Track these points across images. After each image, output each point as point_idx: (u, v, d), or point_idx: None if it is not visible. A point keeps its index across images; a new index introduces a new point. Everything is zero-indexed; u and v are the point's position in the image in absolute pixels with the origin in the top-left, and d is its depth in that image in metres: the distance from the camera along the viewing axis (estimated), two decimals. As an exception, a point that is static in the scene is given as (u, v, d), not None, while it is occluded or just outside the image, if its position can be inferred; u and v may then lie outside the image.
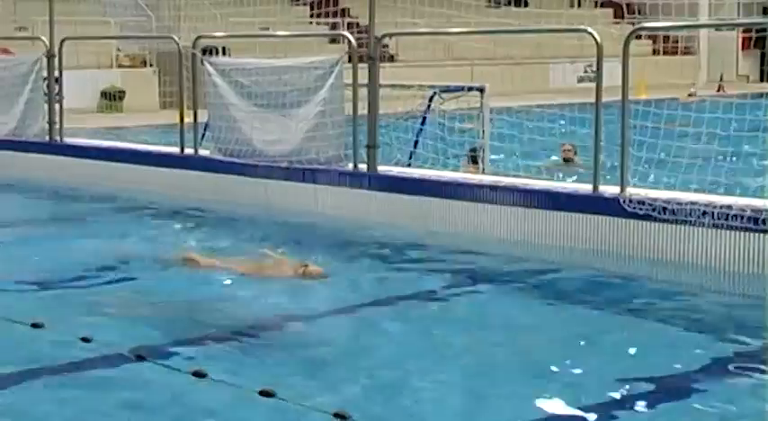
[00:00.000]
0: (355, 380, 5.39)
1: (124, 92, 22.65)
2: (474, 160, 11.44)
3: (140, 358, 5.65)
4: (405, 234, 9.04)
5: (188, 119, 11.72)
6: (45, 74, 13.11)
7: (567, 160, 11.92)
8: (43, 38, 13.36)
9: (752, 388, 5.26)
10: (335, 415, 4.68)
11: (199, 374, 5.32)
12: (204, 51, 12.58)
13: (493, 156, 11.46)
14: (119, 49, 24.03)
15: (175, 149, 11.92)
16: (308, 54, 11.28)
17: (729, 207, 7.43)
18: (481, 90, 11.30)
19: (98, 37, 21.94)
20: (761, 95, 11.54)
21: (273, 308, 6.85)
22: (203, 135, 11.66)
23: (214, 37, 16.61)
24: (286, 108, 10.44)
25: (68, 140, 13.26)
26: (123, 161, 12.32)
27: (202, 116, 11.52)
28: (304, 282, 7.30)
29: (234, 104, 10.87)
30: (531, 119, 10.91)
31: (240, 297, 7.15)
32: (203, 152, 11.49)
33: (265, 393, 5.00)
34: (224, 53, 17.55)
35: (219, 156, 11.11)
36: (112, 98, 22.37)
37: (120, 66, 23.77)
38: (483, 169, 10.90)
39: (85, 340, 5.88)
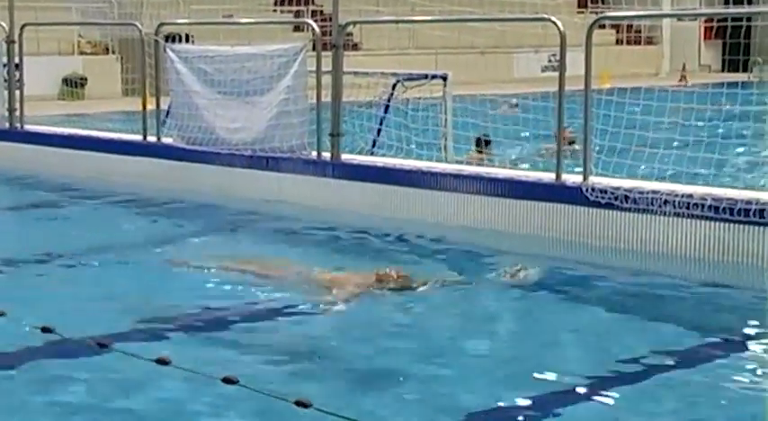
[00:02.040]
0: (320, 370, 5.39)
1: (86, 79, 22.44)
2: (479, 147, 11.49)
3: (102, 346, 5.61)
4: (368, 222, 9.04)
5: (151, 106, 11.64)
6: (5, 60, 12.96)
7: (571, 143, 11.71)
8: (3, 23, 13.20)
9: (711, 373, 5.30)
10: (297, 403, 4.68)
11: (162, 362, 5.29)
12: (167, 38, 12.48)
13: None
14: (80, 36, 23.80)
15: (138, 137, 11.84)
16: (272, 42, 11.22)
17: (690, 196, 7.49)
18: (444, 78, 11.31)
19: (59, 23, 21.70)
20: (722, 85, 11.66)
21: (239, 297, 6.82)
22: (165, 122, 11.59)
23: (177, 24, 16.47)
24: (249, 96, 10.39)
25: (29, 128, 13.13)
26: (85, 149, 12.21)
27: (165, 103, 11.45)
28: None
29: (197, 92, 10.80)
30: (496, 107, 10.94)
31: (205, 286, 7.12)
32: (166, 140, 11.42)
33: (228, 380, 4.99)
34: (187, 40, 17.39)
35: (182, 144, 11.04)
36: (74, 85, 22.16)
37: (81, 52, 23.55)
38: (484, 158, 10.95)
39: (46, 330, 5.83)
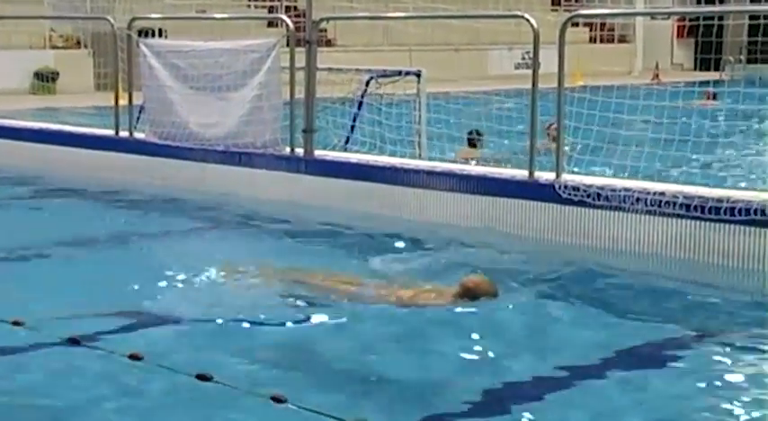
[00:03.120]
0: (294, 365, 5.38)
1: (58, 73, 22.29)
2: (472, 143, 11.51)
3: (74, 342, 5.57)
4: (340, 218, 9.03)
5: (123, 101, 11.59)
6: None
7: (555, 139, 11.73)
8: (-27, 17, 13.10)
9: (678, 370, 5.33)
10: (273, 398, 4.68)
11: (135, 357, 5.27)
12: (140, 33, 12.43)
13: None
14: (52, 30, 23.62)
15: (110, 132, 11.78)
16: (246, 37, 11.20)
17: (662, 193, 7.53)
18: (418, 75, 11.30)
19: (31, 16, 21.54)
20: (694, 83, 11.74)
21: (210, 293, 6.79)
22: (138, 117, 11.54)
23: (150, 18, 16.41)
24: (223, 91, 10.36)
25: (0, 122, 13.02)
26: (57, 143, 12.14)
27: (138, 98, 11.40)
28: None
29: (170, 87, 10.76)
30: (469, 104, 10.95)
31: (178, 280, 7.08)
32: (138, 135, 11.37)
33: (203, 377, 4.98)
34: (160, 35, 17.33)
35: (155, 139, 11.00)
36: (46, 79, 22.01)
37: (53, 46, 23.38)
38: (481, 153, 10.98)
39: (16, 324, 5.79)
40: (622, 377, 5.23)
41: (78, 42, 23.63)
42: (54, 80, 22.18)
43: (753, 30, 16.95)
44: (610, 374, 5.28)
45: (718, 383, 5.14)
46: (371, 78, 11.39)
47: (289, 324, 6.13)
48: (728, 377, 5.22)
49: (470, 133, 11.57)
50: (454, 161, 10.84)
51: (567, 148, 9.24)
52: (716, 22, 20.11)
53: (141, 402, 4.89)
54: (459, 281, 6.41)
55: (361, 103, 11.38)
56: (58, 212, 9.78)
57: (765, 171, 12.01)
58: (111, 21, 12.50)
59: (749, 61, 24.08)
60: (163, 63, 10.81)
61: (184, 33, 15.96)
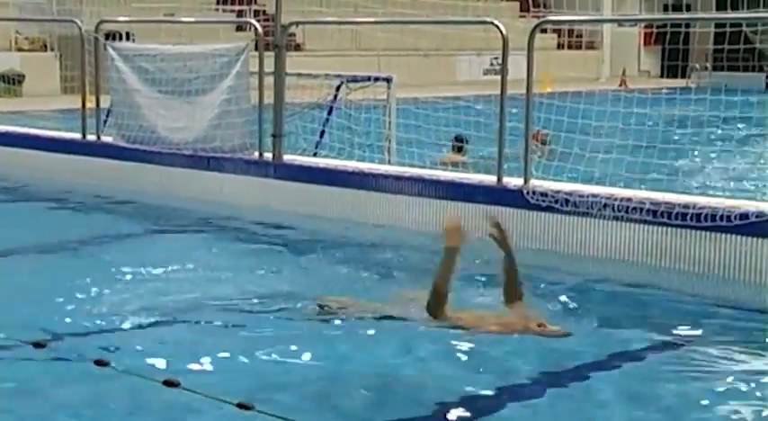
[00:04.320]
0: (260, 370, 5.36)
1: (23, 76, 22.12)
2: (459, 148, 11.52)
3: (39, 346, 5.52)
4: (309, 224, 9.02)
5: (90, 104, 11.52)
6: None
7: (543, 143, 11.71)
8: (-62, 19, 12.98)
9: (644, 378, 5.35)
10: (239, 405, 4.66)
11: (101, 363, 5.22)
12: (107, 36, 12.35)
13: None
14: (18, 32, 23.46)
15: (77, 135, 11.71)
16: (214, 41, 11.16)
17: (629, 199, 7.58)
18: (388, 80, 11.32)
19: (-4, 19, 21.41)
20: (661, 90, 11.82)
21: (177, 298, 6.75)
22: (105, 121, 11.47)
23: (117, 21, 16.29)
24: (191, 95, 10.33)
25: (-35, 125, 12.92)
26: (23, 146, 12.05)
27: (105, 102, 11.33)
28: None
29: (137, 90, 10.71)
30: (438, 110, 10.96)
31: (143, 285, 7.04)
32: (106, 138, 11.31)
33: (170, 383, 4.95)
34: (128, 38, 17.23)
35: (122, 143, 10.94)
36: (11, 82, 21.83)
37: (19, 49, 23.21)
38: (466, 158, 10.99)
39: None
40: (588, 383, 5.24)
41: (45, 45, 23.46)
42: (20, 83, 22.00)
43: (719, 37, 17.12)
44: (576, 379, 5.29)
45: (680, 387, 5.17)
46: (342, 83, 11.39)
47: (261, 329, 6.11)
48: (692, 381, 5.25)
49: (456, 139, 11.58)
50: (437, 166, 10.91)
51: (542, 153, 9.28)
52: (682, 29, 20.27)
53: (106, 408, 4.85)
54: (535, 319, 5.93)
55: (331, 109, 11.38)
56: (24, 216, 9.69)
57: (732, 178, 12.13)
58: (79, 23, 12.43)
59: (715, 69, 24.30)
60: (130, 66, 10.76)
61: (152, 37, 15.89)
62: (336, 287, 7.06)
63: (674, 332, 6.09)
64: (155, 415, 4.75)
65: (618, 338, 5.98)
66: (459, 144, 11.67)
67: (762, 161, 13.53)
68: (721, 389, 5.16)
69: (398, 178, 8.97)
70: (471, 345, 5.71)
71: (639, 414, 4.85)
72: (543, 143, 10.24)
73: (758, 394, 5.13)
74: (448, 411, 4.83)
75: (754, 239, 7.05)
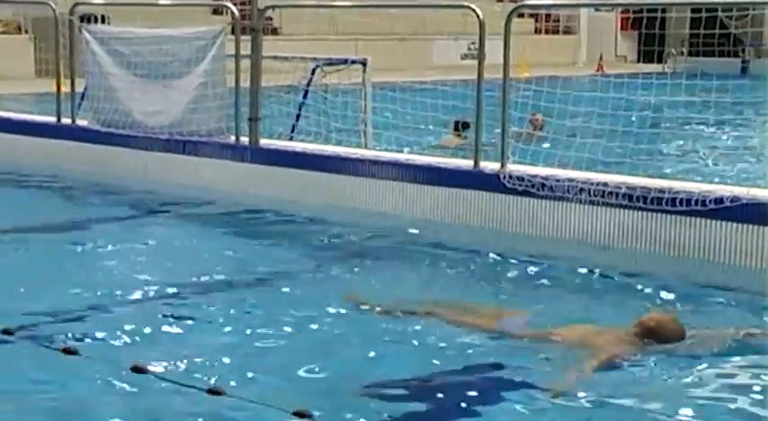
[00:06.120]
0: (229, 357, 5.33)
1: (-3, 59, 21.94)
2: (458, 130, 11.50)
3: (7, 333, 5.49)
4: (285, 208, 9.00)
5: (65, 88, 11.43)
6: None
7: (536, 128, 11.63)
8: None
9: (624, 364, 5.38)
10: (209, 391, 4.64)
11: (69, 351, 5.20)
12: (82, 19, 12.25)
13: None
14: (-8, 15, 23.27)
15: (52, 119, 11.63)
16: (191, 25, 11.08)
17: (605, 184, 7.60)
18: (363, 63, 11.28)
19: (-31, 1, 21.17)
20: (638, 75, 11.83)
21: (148, 282, 6.73)
22: (80, 105, 11.39)
23: (93, 4, 16.18)
24: (167, 79, 10.27)
25: (-62, 108, 12.80)
26: (-4, 130, 11.96)
27: (80, 85, 11.25)
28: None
29: (113, 74, 10.64)
30: (415, 95, 10.94)
31: (116, 270, 7.01)
32: (81, 122, 11.23)
33: (137, 369, 4.94)
34: (103, 21, 17.09)
35: (98, 127, 10.87)
36: (-15, 65, 21.65)
37: (-8, 32, 23.03)
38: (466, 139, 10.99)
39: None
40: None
41: (19, 27, 23.25)
42: (-7, 66, 21.82)
43: (695, 22, 17.15)
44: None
45: (655, 371, 5.19)
46: (317, 67, 11.34)
47: (235, 313, 6.09)
48: (664, 364, 5.27)
49: (456, 121, 11.57)
50: (436, 148, 10.96)
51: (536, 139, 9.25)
52: (659, 14, 20.29)
53: (74, 395, 4.82)
54: (637, 320, 5.56)
55: (306, 92, 11.34)
56: (-2, 200, 9.63)
57: (707, 162, 12.18)
58: (53, 6, 12.30)
59: (691, 54, 24.37)
60: (106, 50, 10.68)
61: (128, 20, 15.76)
62: (309, 270, 7.08)
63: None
64: (124, 402, 4.72)
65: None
66: (458, 129, 11.69)
67: (737, 146, 13.60)
68: (697, 369, 5.19)
69: (375, 162, 8.96)
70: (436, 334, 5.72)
71: (612, 397, 4.86)
72: (540, 128, 10.26)
73: (733, 373, 5.17)
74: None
75: (729, 223, 7.10)
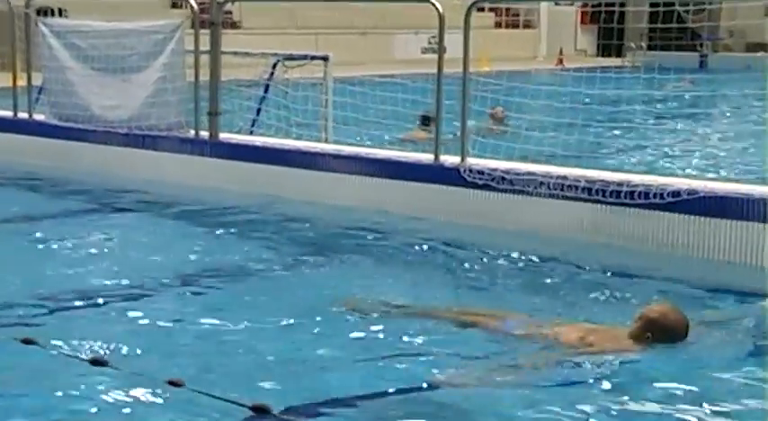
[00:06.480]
0: (190, 349, 5.33)
1: (-48, 52, 21.66)
2: (425, 124, 11.49)
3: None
4: (245, 202, 8.97)
5: (21, 82, 11.32)
6: None
7: (497, 121, 11.60)
8: None
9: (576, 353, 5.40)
10: (170, 382, 4.64)
11: (29, 342, 5.17)
12: (38, 12, 12.14)
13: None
14: (-54, 8, 22.96)
15: (8, 113, 11.52)
16: (149, 18, 11.01)
17: (565, 177, 7.64)
18: (325, 59, 11.27)
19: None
20: (597, 69, 11.91)
21: (107, 276, 6.68)
22: (37, 99, 11.29)
23: (50, -3, 16.06)
24: (125, 73, 10.20)
25: None
26: (-48, 125, 11.81)
27: (37, 79, 11.15)
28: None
29: (70, 68, 10.56)
30: (374, 89, 10.94)
31: (77, 264, 6.96)
32: (38, 116, 11.13)
33: (97, 362, 4.91)
34: (60, 14, 16.96)
35: (55, 121, 10.78)
36: (-60, 59, 21.36)
37: (-52, 25, 22.73)
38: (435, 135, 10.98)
39: None
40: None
41: (-25, 21, 23.00)
42: (-51, 60, 21.54)
43: (653, 17, 17.29)
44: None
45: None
46: (278, 62, 11.32)
47: (195, 308, 6.07)
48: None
49: (423, 115, 11.56)
50: (405, 141, 10.97)
51: (508, 130, 9.29)
52: (617, 8, 20.43)
53: (35, 386, 4.79)
54: (638, 314, 5.30)
55: (267, 87, 11.31)
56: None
57: (665, 155, 12.29)
58: (9, -1, 12.18)
59: (650, 48, 24.52)
60: (63, 43, 10.59)
61: (85, 13, 15.63)
62: (268, 264, 7.06)
63: (608, 308, 6.16)
64: (82, 394, 4.69)
65: (554, 314, 6.02)
66: (425, 123, 11.68)
67: (694, 139, 13.73)
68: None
69: (335, 157, 8.96)
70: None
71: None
72: (500, 121, 10.30)
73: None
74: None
75: (686, 216, 7.16)
